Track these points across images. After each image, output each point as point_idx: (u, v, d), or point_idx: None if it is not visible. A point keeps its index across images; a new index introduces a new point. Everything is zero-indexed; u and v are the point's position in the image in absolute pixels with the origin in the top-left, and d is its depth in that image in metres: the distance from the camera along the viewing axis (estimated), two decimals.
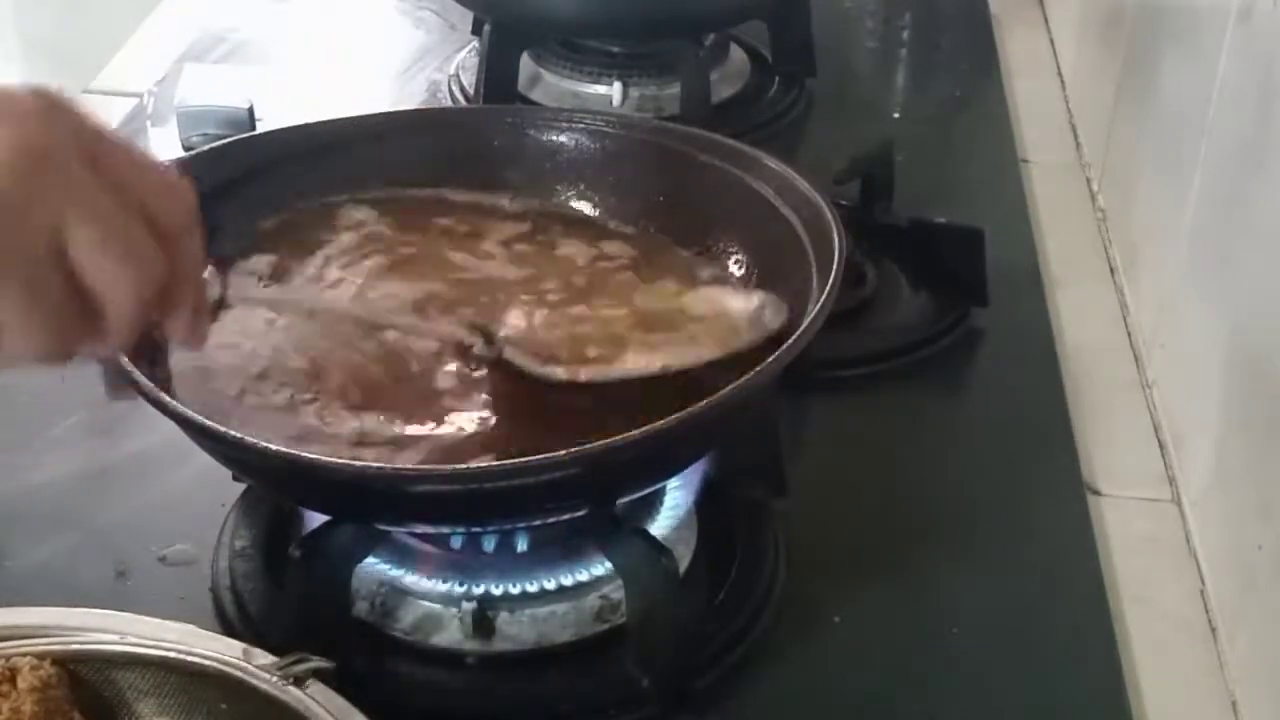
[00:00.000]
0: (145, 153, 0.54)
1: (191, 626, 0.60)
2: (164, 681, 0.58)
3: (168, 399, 0.64)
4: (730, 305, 0.73)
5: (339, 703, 0.56)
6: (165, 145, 1.07)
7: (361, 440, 0.66)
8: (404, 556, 0.70)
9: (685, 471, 0.71)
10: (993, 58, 1.29)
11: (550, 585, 0.69)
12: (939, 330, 0.92)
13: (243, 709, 0.57)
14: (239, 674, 0.57)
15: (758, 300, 0.72)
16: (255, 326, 0.73)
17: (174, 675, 0.57)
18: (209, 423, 0.63)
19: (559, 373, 0.69)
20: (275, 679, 0.56)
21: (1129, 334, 0.96)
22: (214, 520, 0.75)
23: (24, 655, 0.57)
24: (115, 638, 0.59)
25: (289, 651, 0.57)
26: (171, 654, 0.57)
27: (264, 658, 0.57)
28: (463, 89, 1.18)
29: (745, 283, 0.77)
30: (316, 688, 0.56)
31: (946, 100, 1.25)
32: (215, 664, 0.57)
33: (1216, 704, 0.71)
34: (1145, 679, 0.71)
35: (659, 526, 0.72)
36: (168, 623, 0.60)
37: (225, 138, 0.83)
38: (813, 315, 0.66)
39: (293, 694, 0.56)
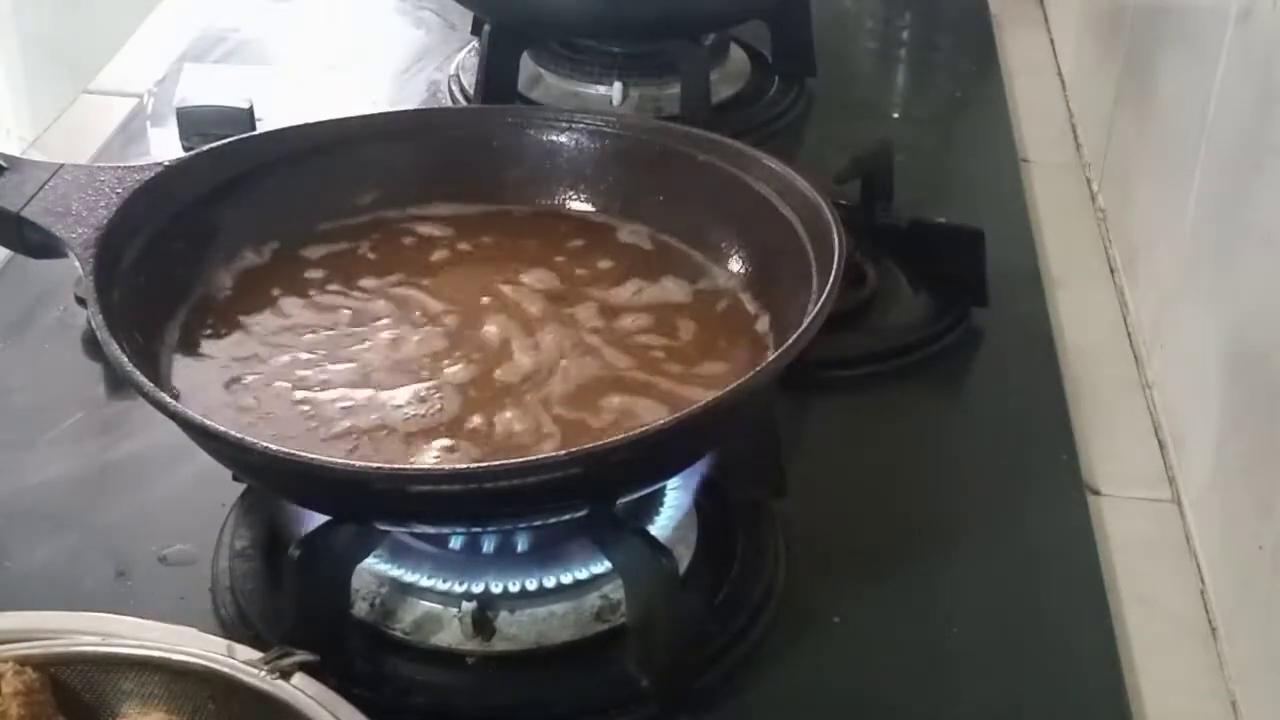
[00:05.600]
0: None
1: (175, 625, 0.60)
2: (148, 681, 0.57)
3: (168, 399, 0.64)
4: None
5: (326, 693, 0.56)
6: (165, 145, 1.07)
7: None
8: (404, 556, 0.70)
9: (685, 471, 0.71)
10: (993, 58, 1.29)
11: (550, 585, 0.69)
12: (939, 330, 0.92)
13: (230, 705, 0.56)
14: (224, 670, 0.56)
15: None
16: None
17: (159, 675, 0.57)
18: (209, 423, 0.63)
19: None
20: (261, 673, 0.56)
21: (1129, 334, 0.96)
22: (214, 520, 0.75)
23: (5, 661, 0.57)
24: (97, 639, 0.58)
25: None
26: (155, 654, 0.57)
27: (248, 653, 0.57)
28: (463, 89, 1.18)
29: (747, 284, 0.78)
30: (303, 680, 0.56)
31: (946, 100, 1.25)
32: (200, 661, 0.57)
33: (1216, 704, 0.71)
34: (1145, 679, 0.71)
35: (659, 526, 0.72)
36: (149, 622, 0.59)
37: (225, 138, 0.83)
38: (813, 315, 0.66)
39: (280, 687, 0.56)
